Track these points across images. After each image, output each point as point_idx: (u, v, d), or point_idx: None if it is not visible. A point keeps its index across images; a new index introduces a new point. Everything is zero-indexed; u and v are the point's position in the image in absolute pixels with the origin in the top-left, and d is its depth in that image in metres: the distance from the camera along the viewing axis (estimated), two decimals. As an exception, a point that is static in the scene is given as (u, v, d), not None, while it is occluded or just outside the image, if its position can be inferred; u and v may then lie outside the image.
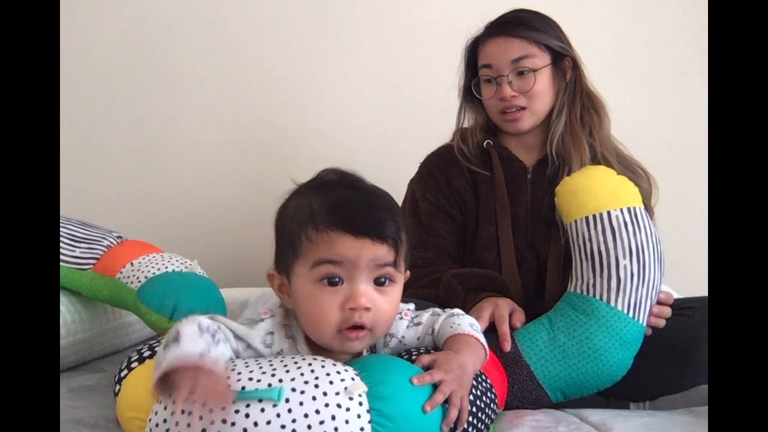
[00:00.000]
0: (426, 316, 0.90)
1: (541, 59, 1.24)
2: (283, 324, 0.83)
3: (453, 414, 0.74)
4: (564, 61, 1.26)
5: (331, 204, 0.77)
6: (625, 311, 1.02)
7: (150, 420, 0.73)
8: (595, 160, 1.22)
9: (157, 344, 0.85)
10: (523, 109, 1.24)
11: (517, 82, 1.23)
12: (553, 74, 1.26)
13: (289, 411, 0.68)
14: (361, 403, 0.71)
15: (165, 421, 0.71)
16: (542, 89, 1.24)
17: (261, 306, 0.85)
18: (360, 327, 0.78)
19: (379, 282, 0.79)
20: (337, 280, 0.77)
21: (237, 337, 0.80)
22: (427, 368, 0.77)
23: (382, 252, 0.77)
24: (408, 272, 0.86)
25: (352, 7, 1.93)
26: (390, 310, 0.81)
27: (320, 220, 0.77)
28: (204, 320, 0.78)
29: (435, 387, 0.75)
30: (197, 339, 0.74)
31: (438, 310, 0.92)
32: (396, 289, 0.82)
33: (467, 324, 0.87)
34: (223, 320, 0.81)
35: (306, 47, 1.92)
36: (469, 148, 1.29)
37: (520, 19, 1.26)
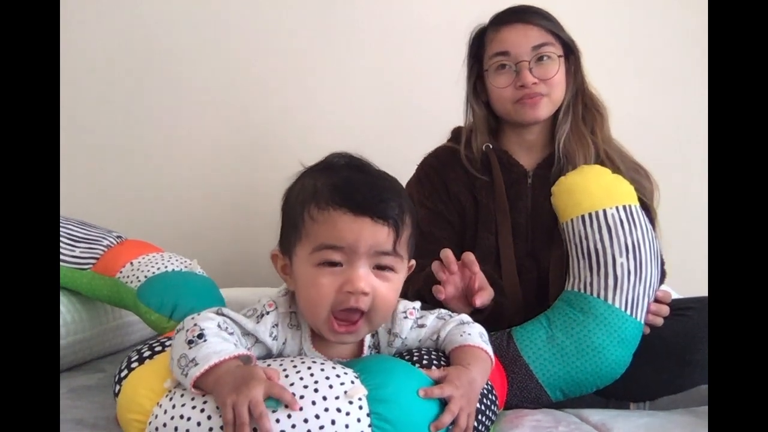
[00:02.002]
0: (431, 318, 0.89)
1: (557, 49, 1.22)
2: (288, 312, 0.83)
3: None
4: (570, 57, 1.25)
5: (334, 183, 0.78)
6: (623, 309, 1.02)
7: (150, 423, 0.73)
8: (599, 159, 1.21)
9: (157, 344, 0.85)
10: (542, 96, 1.21)
11: (537, 69, 1.20)
12: (566, 67, 1.24)
13: (289, 416, 0.68)
14: (361, 407, 0.70)
15: (165, 425, 0.71)
16: (561, 78, 1.22)
17: (265, 298, 0.84)
18: (353, 321, 0.78)
19: (379, 267, 0.79)
20: (337, 263, 0.77)
21: (245, 333, 0.80)
22: (436, 382, 0.76)
23: (383, 236, 0.77)
24: (413, 261, 0.85)
25: (351, 7, 1.93)
26: (390, 297, 0.81)
27: (322, 198, 0.77)
28: (216, 317, 0.78)
29: (442, 400, 0.75)
30: (222, 334, 0.75)
31: (444, 312, 0.91)
32: (397, 278, 0.81)
33: (477, 334, 0.86)
34: (232, 314, 0.81)
35: (305, 47, 1.92)
36: (473, 154, 1.27)
37: (534, 9, 1.24)
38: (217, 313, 0.80)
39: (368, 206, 0.76)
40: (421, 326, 0.88)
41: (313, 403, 0.69)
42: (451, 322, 0.88)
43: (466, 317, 0.91)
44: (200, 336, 0.74)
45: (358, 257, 0.77)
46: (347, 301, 0.77)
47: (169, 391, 0.74)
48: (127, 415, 0.77)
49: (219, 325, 0.77)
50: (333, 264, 0.77)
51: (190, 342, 0.73)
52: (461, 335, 0.85)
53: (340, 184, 0.78)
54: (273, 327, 0.82)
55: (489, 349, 0.85)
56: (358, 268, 0.77)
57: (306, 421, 0.68)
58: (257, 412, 0.66)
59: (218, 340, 0.74)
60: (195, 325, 0.76)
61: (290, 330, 0.83)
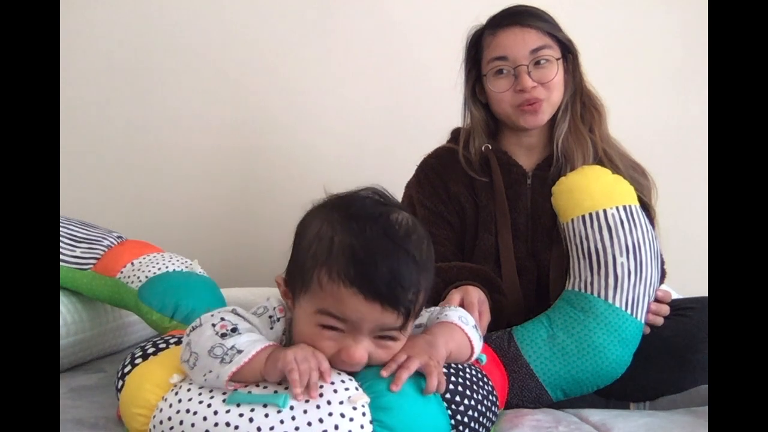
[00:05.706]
0: (426, 316, 0.89)
1: (555, 51, 1.21)
2: (290, 319, 0.83)
3: (432, 382, 0.73)
4: (567, 57, 1.25)
5: (353, 251, 0.72)
6: (623, 308, 1.02)
7: (154, 417, 0.73)
8: (597, 158, 1.21)
9: (162, 342, 0.85)
10: (541, 101, 1.20)
11: (535, 72, 1.19)
12: (565, 68, 1.24)
13: (293, 418, 0.68)
14: (364, 414, 0.70)
15: (170, 418, 0.72)
16: (560, 81, 1.22)
17: (274, 300, 0.84)
18: None
19: (381, 337, 0.76)
20: (337, 328, 0.74)
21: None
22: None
23: (390, 319, 0.73)
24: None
25: (350, 7, 1.93)
26: (386, 359, 0.78)
27: (335, 267, 0.72)
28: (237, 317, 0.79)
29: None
30: (251, 327, 0.78)
31: (436, 310, 0.91)
32: (398, 344, 0.78)
33: (456, 316, 0.87)
34: (248, 316, 0.81)
35: (304, 49, 1.92)
36: (471, 155, 1.26)
37: (530, 10, 1.23)
38: (234, 314, 0.80)
39: (382, 293, 0.71)
40: (419, 326, 0.88)
41: (318, 406, 0.69)
42: (435, 311, 0.89)
43: (461, 311, 0.90)
44: (234, 330, 0.75)
45: (360, 332, 0.74)
46: (342, 365, 0.75)
47: (175, 386, 0.75)
48: (131, 409, 0.77)
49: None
50: (334, 328, 0.75)
51: (223, 335, 0.74)
52: (438, 317, 0.86)
53: (358, 253, 0.71)
54: (283, 335, 0.82)
55: (465, 327, 0.85)
56: (358, 342, 0.74)
57: (309, 424, 0.68)
58: (324, 367, 0.71)
59: (254, 333, 0.77)
60: (223, 319, 0.77)
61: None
